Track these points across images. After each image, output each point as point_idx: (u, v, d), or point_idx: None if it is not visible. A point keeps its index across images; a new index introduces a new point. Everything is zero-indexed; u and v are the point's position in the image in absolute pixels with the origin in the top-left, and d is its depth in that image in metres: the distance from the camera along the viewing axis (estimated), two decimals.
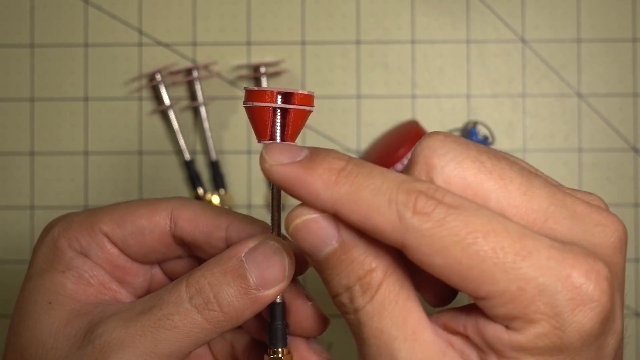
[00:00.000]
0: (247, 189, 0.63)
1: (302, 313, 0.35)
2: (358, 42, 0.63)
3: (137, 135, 0.63)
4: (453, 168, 0.27)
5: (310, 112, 0.32)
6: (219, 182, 0.62)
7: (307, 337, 0.36)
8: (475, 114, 0.63)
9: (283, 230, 0.32)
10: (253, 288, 0.32)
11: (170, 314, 0.32)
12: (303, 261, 0.34)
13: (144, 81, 0.63)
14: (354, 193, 0.27)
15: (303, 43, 0.63)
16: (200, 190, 0.62)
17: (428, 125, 0.62)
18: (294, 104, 0.31)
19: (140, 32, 0.63)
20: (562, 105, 0.63)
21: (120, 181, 0.63)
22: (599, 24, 0.63)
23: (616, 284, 0.27)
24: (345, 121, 0.62)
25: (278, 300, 0.34)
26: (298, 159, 0.28)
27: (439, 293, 0.32)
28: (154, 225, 0.35)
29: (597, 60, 0.63)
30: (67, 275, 0.35)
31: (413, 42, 0.63)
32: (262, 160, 0.29)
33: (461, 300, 0.30)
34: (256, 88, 0.31)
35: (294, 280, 0.34)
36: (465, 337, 0.28)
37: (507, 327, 0.26)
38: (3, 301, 0.63)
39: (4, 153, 0.63)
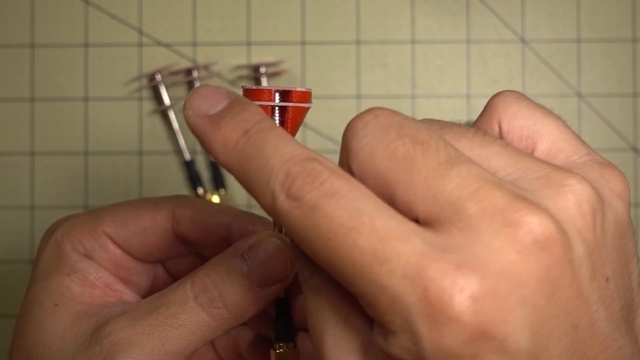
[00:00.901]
0: None
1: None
2: (358, 42, 0.63)
3: (137, 135, 0.63)
4: (365, 155, 0.25)
5: (308, 108, 0.33)
6: (219, 182, 0.62)
7: None
8: (475, 114, 0.63)
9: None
10: (256, 285, 0.32)
11: (176, 313, 0.32)
12: None
13: (144, 81, 0.63)
14: (244, 163, 0.25)
15: (303, 43, 0.63)
16: (201, 190, 0.62)
17: None
18: (292, 102, 0.32)
19: (140, 32, 0.63)
20: (562, 105, 0.63)
21: (120, 181, 0.63)
22: (599, 24, 0.63)
23: (506, 299, 0.23)
24: (345, 121, 0.62)
25: (282, 296, 0.34)
26: (211, 112, 0.26)
27: None
28: (156, 225, 0.36)
29: (597, 60, 0.63)
30: (73, 278, 0.35)
31: (413, 42, 0.63)
32: (184, 106, 0.27)
33: None
34: (254, 87, 0.32)
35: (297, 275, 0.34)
36: None
37: (382, 333, 0.24)
38: (3, 301, 0.63)
39: (4, 153, 0.63)
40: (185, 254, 0.37)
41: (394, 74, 0.63)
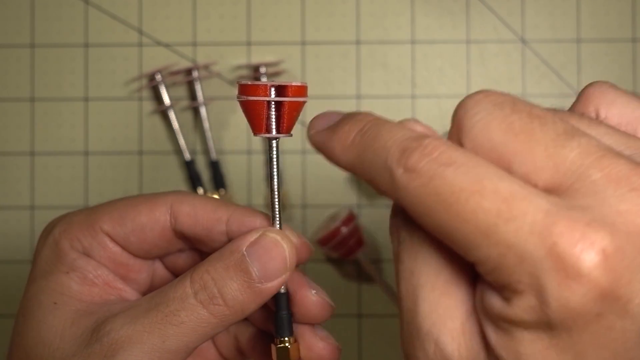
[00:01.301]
0: (247, 189, 0.63)
1: (307, 302, 0.35)
2: (358, 42, 0.63)
3: (137, 135, 0.63)
4: (480, 130, 0.25)
5: (304, 102, 0.33)
6: (219, 182, 0.62)
7: (312, 324, 0.36)
8: None
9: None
10: (256, 281, 0.33)
11: (176, 310, 0.33)
12: (304, 250, 0.35)
13: (144, 81, 0.63)
14: (361, 154, 0.26)
15: (303, 43, 0.63)
16: (201, 190, 0.62)
17: None
18: (288, 96, 0.32)
19: (140, 32, 0.63)
20: (562, 106, 0.63)
21: (120, 181, 0.63)
22: (599, 24, 0.63)
23: (633, 260, 0.23)
24: None
25: (282, 291, 0.34)
26: (331, 124, 0.28)
27: None
28: (154, 222, 0.36)
29: (597, 60, 0.63)
30: (72, 276, 0.35)
31: (413, 42, 0.63)
32: (308, 129, 0.29)
33: None
34: (249, 82, 0.32)
35: (297, 270, 0.35)
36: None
37: (500, 296, 0.24)
38: (3, 301, 0.63)
39: (4, 153, 0.63)
40: (184, 249, 0.37)
41: (394, 74, 0.63)
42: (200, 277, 0.33)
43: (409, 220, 0.26)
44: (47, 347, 0.33)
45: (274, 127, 0.32)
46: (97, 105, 0.63)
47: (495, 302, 0.24)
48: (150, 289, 0.38)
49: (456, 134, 0.26)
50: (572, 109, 0.29)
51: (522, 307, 0.23)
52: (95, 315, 0.34)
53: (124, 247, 0.36)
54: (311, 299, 0.35)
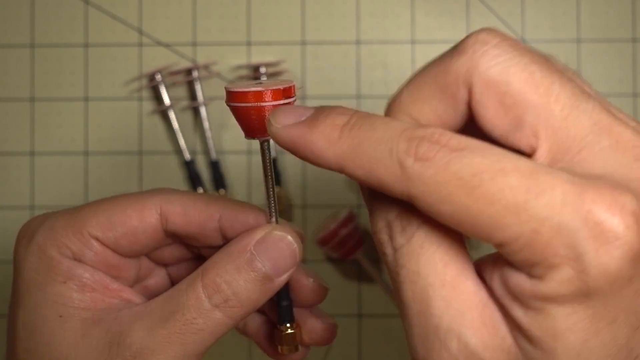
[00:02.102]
0: (247, 189, 0.63)
1: (305, 289, 0.37)
2: (358, 42, 0.63)
3: (137, 135, 0.63)
4: (498, 72, 0.25)
5: (292, 103, 0.33)
6: (219, 182, 0.62)
7: (310, 307, 0.38)
8: None
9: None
10: (268, 278, 0.33)
11: (193, 318, 0.33)
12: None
13: (144, 81, 0.63)
14: (356, 147, 0.26)
15: (303, 43, 0.63)
16: (200, 190, 0.62)
17: None
18: (276, 100, 0.32)
19: (140, 32, 0.63)
20: None
21: (120, 181, 0.63)
22: (599, 24, 0.63)
23: None
24: None
25: None
26: (302, 119, 0.27)
27: None
28: (145, 225, 0.35)
29: (597, 60, 0.63)
30: (70, 285, 0.34)
31: (413, 42, 0.63)
32: (268, 123, 0.28)
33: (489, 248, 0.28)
34: (236, 89, 0.32)
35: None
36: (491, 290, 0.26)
37: (529, 275, 0.24)
38: (3, 301, 0.63)
39: (4, 153, 0.63)
40: (170, 243, 0.38)
41: (394, 74, 0.63)
42: (212, 281, 0.33)
43: (404, 224, 0.26)
44: None
45: (263, 129, 0.33)
46: (97, 105, 0.63)
47: (523, 282, 0.24)
48: (137, 282, 0.38)
49: (466, 69, 0.26)
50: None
51: (558, 280, 0.23)
52: (105, 323, 0.34)
53: (115, 250, 0.36)
54: (308, 286, 0.37)
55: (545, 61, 0.26)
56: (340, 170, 0.27)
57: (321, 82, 0.63)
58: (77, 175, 0.63)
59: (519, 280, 0.24)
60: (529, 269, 0.24)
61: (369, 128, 0.26)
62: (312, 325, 0.37)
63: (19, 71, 0.63)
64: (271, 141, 0.33)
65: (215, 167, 0.62)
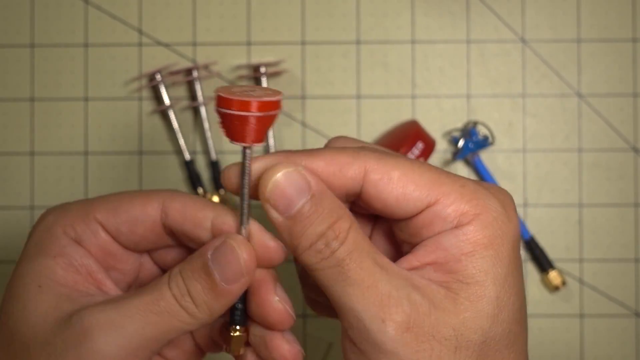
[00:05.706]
0: None
1: (266, 305, 0.36)
2: (358, 42, 0.63)
3: (137, 135, 0.63)
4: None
5: (276, 115, 0.34)
6: (219, 182, 0.62)
7: (279, 330, 0.37)
8: (475, 114, 0.63)
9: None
10: (218, 284, 0.35)
11: (156, 300, 0.35)
12: (276, 254, 0.36)
13: (144, 81, 0.63)
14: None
15: (303, 43, 0.63)
16: (200, 190, 0.62)
17: (428, 125, 0.62)
18: (263, 111, 0.33)
19: (140, 32, 0.63)
20: (562, 105, 0.63)
21: (120, 181, 0.63)
22: (599, 24, 0.63)
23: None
24: (345, 121, 0.62)
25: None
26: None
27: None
28: (146, 215, 0.37)
29: (597, 60, 0.63)
30: (58, 261, 0.36)
31: (413, 42, 0.63)
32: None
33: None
34: (226, 96, 0.32)
35: (269, 273, 0.36)
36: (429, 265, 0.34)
37: (457, 227, 0.33)
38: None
39: (4, 153, 0.63)
40: (172, 245, 0.39)
41: (394, 74, 0.63)
42: (175, 273, 0.35)
43: (337, 232, 0.33)
44: (31, 328, 0.35)
45: (246, 136, 0.34)
46: (97, 105, 0.63)
47: (455, 236, 0.34)
48: (136, 283, 0.39)
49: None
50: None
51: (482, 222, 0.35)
52: (76, 302, 0.35)
53: (114, 237, 0.37)
54: (271, 304, 0.36)
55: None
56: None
57: (321, 82, 0.63)
58: (77, 175, 0.63)
59: (450, 237, 0.34)
60: (461, 217, 0.34)
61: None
62: (277, 345, 0.37)
63: (19, 71, 0.63)
64: (254, 148, 0.34)
65: (215, 167, 0.62)
